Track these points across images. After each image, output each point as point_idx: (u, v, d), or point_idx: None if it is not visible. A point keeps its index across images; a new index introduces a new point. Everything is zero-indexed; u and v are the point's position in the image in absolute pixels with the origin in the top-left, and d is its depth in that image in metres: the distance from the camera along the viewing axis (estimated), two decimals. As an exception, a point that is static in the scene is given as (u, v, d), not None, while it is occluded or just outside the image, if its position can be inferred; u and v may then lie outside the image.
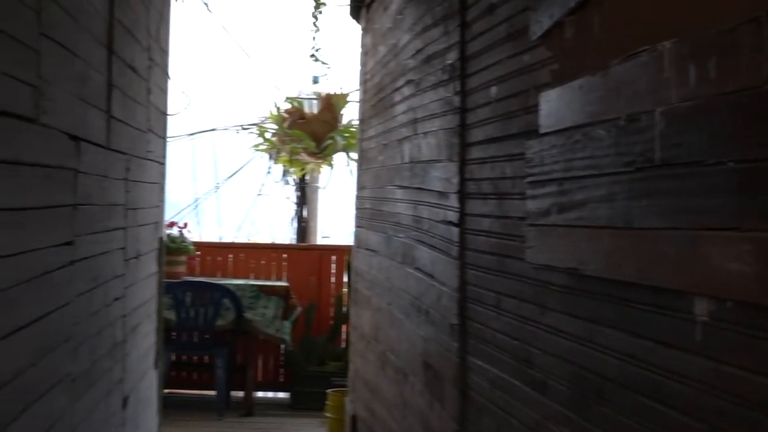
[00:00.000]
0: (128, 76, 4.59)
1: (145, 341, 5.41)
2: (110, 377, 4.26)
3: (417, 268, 4.18)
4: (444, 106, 3.74)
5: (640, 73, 1.93)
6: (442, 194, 3.71)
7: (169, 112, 6.11)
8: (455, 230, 3.50)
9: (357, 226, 6.16)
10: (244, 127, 11.19)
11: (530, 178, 2.58)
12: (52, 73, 3.14)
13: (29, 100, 2.89)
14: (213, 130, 11.88)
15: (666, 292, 1.81)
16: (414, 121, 4.32)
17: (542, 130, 2.50)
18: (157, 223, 5.75)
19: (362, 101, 6.15)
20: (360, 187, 6.11)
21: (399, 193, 4.66)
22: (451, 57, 3.65)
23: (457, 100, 3.53)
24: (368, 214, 5.68)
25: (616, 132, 2.02)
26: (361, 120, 6.19)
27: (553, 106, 2.44)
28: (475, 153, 3.32)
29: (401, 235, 4.56)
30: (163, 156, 5.99)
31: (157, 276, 5.83)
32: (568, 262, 2.32)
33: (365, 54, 6.09)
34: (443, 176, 3.71)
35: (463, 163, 3.44)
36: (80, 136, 3.55)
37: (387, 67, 5.13)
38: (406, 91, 4.53)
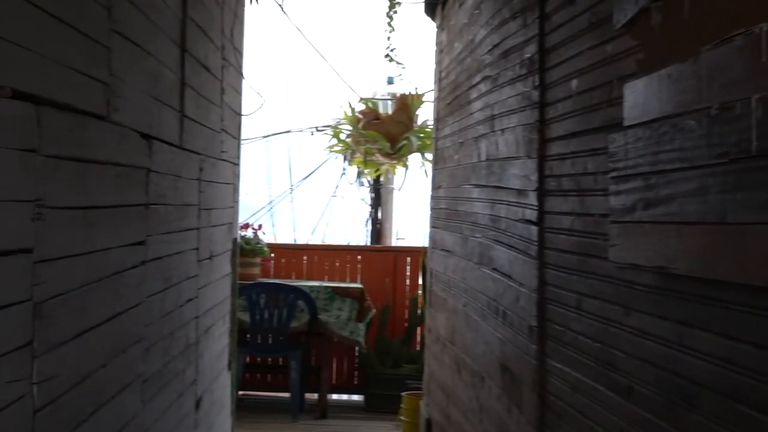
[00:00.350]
0: (202, 75, 4.57)
1: (219, 343, 5.38)
2: (183, 379, 4.22)
3: (494, 269, 4.07)
4: (522, 102, 3.63)
5: (734, 58, 1.81)
6: (521, 192, 3.61)
7: (243, 113, 6.08)
8: (534, 229, 3.39)
9: (432, 227, 6.06)
10: (319, 128, 11.17)
11: (614, 173, 2.47)
12: (124, 70, 3.11)
13: (100, 97, 2.86)
14: (287, 131, 11.88)
15: (763, 291, 1.70)
16: (491, 118, 4.21)
17: (627, 123, 2.38)
18: (231, 224, 5.73)
19: (437, 100, 6.05)
20: (435, 186, 6.02)
21: (475, 192, 4.55)
22: (530, 50, 3.54)
23: (535, 95, 3.42)
24: (444, 214, 5.58)
25: (708, 122, 1.90)
26: (437, 119, 6.09)
27: (639, 97, 2.33)
28: (555, 149, 3.20)
29: (478, 235, 4.46)
30: (237, 157, 5.97)
31: (230, 277, 5.80)
32: (655, 261, 2.20)
33: (440, 51, 5.99)
34: (522, 173, 3.60)
35: (542, 160, 3.33)
36: (152, 134, 3.52)
37: (463, 63, 5.03)
38: (483, 87, 4.42)
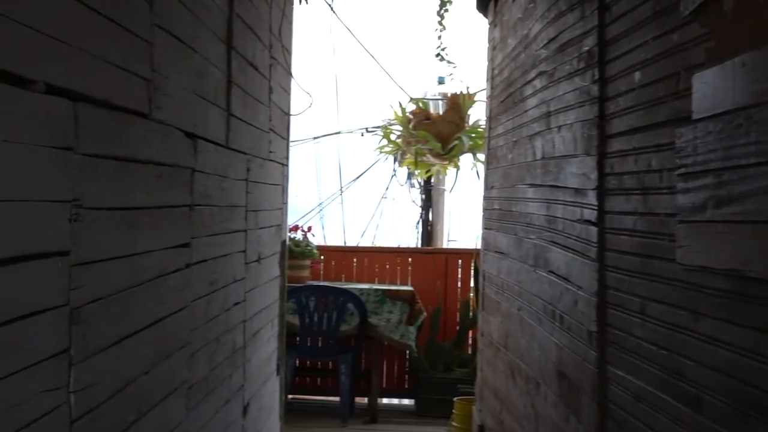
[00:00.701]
0: (249, 73, 4.47)
1: (267, 347, 5.28)
2: (230, 384, 4.12)
3: (550, 271, 3.93)
4: (580, 97, 3.48)
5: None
6: (579, 191, 3.45)
7: (291, 113, 5.98)
8: (593, 230, 3.24)
9: (485, 228, 5.91)
10: (369, 129, 11.08)
11: (681, 170, 2.31)
12: (167, 67, 3.01)
13: (142, 94, 2.76)
14: (337, 133, 11.80)
15: None
16: (547, 115, 4.06)
17: (696, 116, 2.23)
18: (280, 225, 5.63)
19: (490, 98, 5.91)
20: (488, 187, 5.87)
21: (530, 192, 4.41)
22: (589, 43, 3.39)
23: (595, 89, 3.27)
24: (497, 215, 5.44)
25: (789, 113, 1.75)
26: (489, 118, 5.94)
27: (709, 88, 2.17)
28: (615, 145, 3.05)
29: (533, 237, 4.31)
30: (286, 157, 5.87)
31: (279, 280, 5.71)
32: (727, 263, 2.05)
33: (493, 48, 5.84)
34: (579, 172, 3.45)
35: (602, 157, 3.18)
36: (197, 133, 3.42)
37: (517, 60, 4.88)
38: (538, 83, 4.27)
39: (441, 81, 10.36)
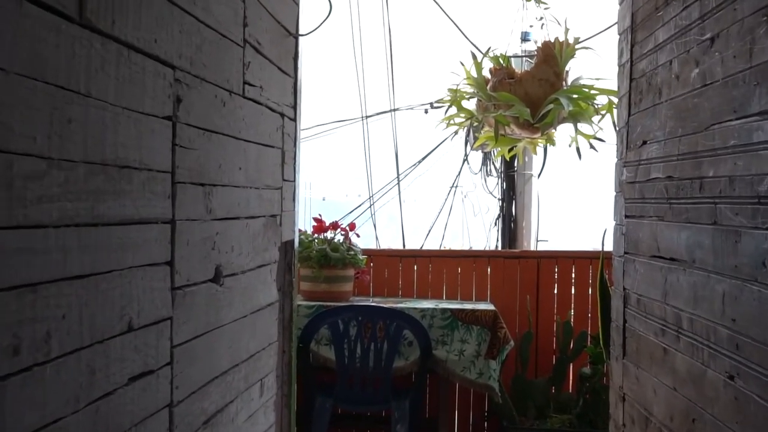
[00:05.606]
0: None
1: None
2: None
3: None
4: None
5: None
6: None
7: (299, 33, 3.71)
8: None
9: (627, 216, 3.52)
10: (433, 105, 9.40)
11: None
12: None
13: None
14: (395, 110, 10.27)
15: None
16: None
17: None
18: (276, 216, 3.36)
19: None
20: (631, 145, 3.43)
21: (764, 131, 2.07)
22: None
23: None
24: (657, 190, 3.05)
25: None
26: (632, 28, 3.52)
27: None
28: None
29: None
30: (290, 104, 3.60)
31: (278, 308, 3.43)
32: None
33: None
34: None
35: None
36: None
37: None
38: None
39: (525, 38, 8.72)
